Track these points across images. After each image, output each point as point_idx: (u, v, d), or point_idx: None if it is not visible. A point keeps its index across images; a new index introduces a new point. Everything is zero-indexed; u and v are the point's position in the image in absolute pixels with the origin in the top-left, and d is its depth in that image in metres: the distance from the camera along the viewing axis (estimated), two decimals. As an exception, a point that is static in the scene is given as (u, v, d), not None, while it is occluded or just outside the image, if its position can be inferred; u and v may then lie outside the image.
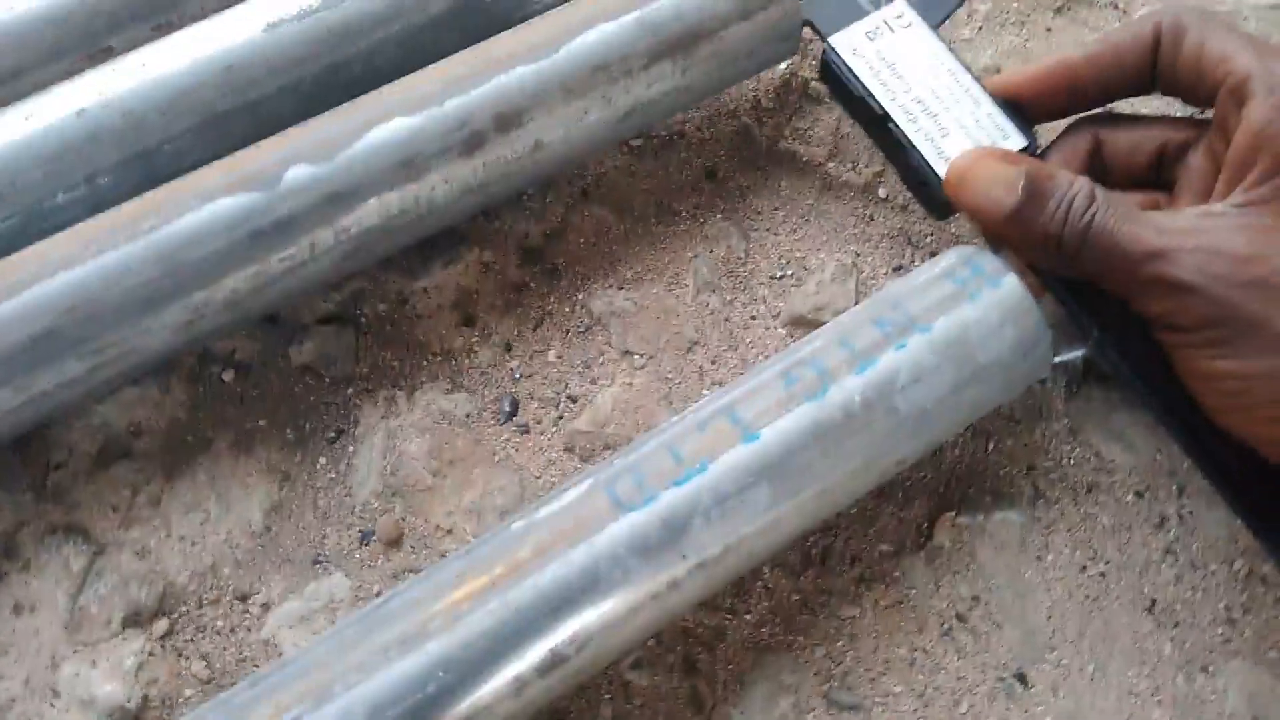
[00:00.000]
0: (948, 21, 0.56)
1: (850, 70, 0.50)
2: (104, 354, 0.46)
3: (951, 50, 0.50)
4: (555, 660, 0.40)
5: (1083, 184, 0.43)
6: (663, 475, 0.42)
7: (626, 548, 0.40)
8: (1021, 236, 0.43)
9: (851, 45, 0.50)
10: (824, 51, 0.51)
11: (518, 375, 0.52)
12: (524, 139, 0.50)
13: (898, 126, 0.49)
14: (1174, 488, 0.50)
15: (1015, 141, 0.48)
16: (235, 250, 0.47)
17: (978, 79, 0.49)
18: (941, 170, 0.47)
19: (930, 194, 0.49)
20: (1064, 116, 0.49)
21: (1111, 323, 0.45)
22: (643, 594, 0.41)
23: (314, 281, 0.49)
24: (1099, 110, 0.49)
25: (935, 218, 0.52)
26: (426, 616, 0.39)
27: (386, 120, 0.48)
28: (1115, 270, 0.42)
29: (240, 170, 0.47)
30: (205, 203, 0.46)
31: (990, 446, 0.51)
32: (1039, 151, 0.49)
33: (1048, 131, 0.50)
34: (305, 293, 0.50)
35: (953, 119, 0.48)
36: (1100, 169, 0.48)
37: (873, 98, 0.49)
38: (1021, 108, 0.49)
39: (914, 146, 0.48)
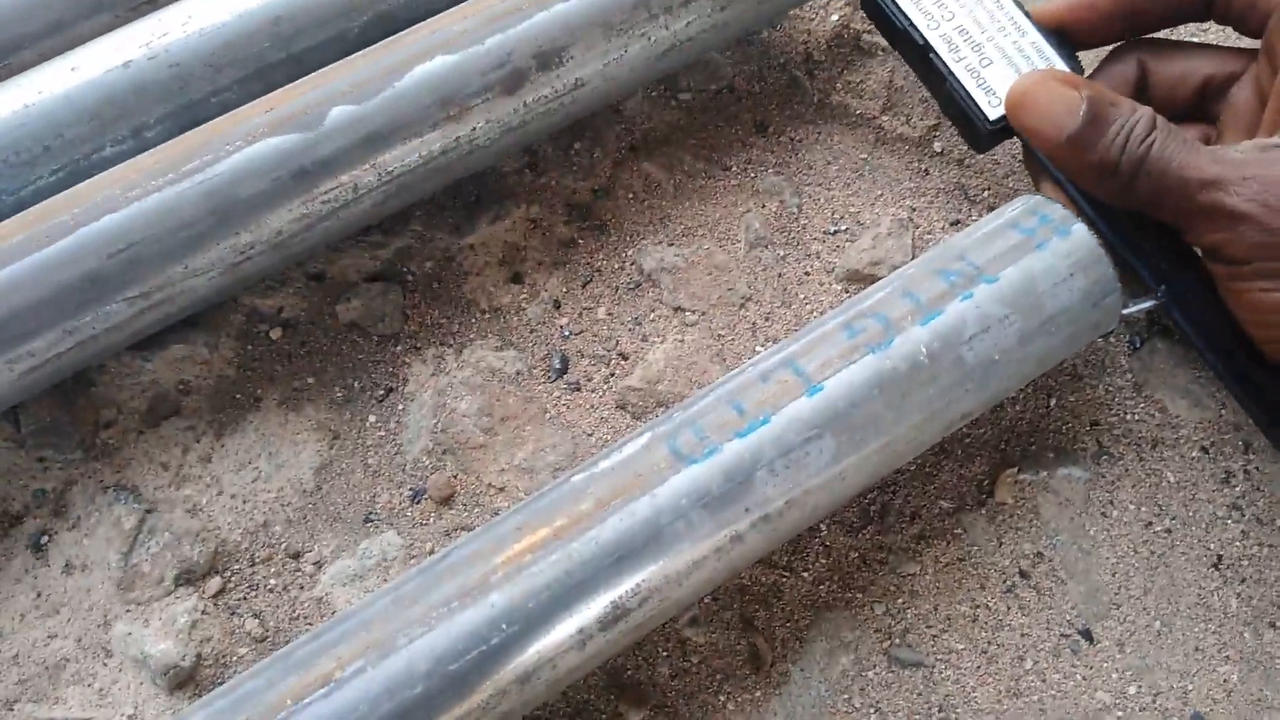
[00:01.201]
0: None
1: (894, 0, 0.49)
2: (150, 297, 0.45)
3: None
4: (618, 613, 0.39)
5: (1144, 112, 0.42)
6: (725, 427, 0.41)
7: (689, 500, 0.40)
8: (1080, 161, 0.42)
9: None
10: None
11: (568, 333, 0.52)
12: (564, 77, 0.49)
13: (939, 57, 0.48)
14: (1240, 443, 0.49)
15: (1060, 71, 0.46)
16: (280, 190, 0.46)
17: (1022, 6, 0.48)
18: (982, 101, 0.47)
19: (971, 126, 0.48)
20: (1116, 41, 0.48)
21: (1164, 265, 0.44)
22: (705, 547, 0.40)
23: (358, 222, 0.49)
24: (1145, 37, 0.48)
25: (976, 150, 0.51)
26: (488, 569, 0.39)
27: (427, 59, 0.48)
28: (1171, 198, 0.41)
29: (283, 110, 0.46)
30: (249, 143, 0.46)
31: (1053, 402, 0.50)
32: None
33: (1088, 60, 0.49)
34: (348, 235, 0.50)
35: (996, 48, 0.47)
36: (1144, 99, 0.47)
37: (914, 28, 0.48)
38: (1066, 36, 0.48)
39: (955, 77, 0.47)
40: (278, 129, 0.46)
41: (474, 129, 0.48)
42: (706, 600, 0.46)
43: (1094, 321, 0.45)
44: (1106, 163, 0.42)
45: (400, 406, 0.50)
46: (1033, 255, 0.44)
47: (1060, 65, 0.47)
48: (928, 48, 0.48)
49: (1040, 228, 0.44)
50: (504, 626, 0.38)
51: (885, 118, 0.56)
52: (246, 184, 0.45)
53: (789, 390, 0.41)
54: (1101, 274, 0.44)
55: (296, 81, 0.48)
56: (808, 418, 0.41)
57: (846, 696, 0.45)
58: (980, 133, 0.47)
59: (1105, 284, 0.44)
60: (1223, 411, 0.49)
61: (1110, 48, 0.48)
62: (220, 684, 0.45)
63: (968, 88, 0.47)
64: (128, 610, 0.46)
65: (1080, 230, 0.44)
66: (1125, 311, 0.45)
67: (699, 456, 0.40)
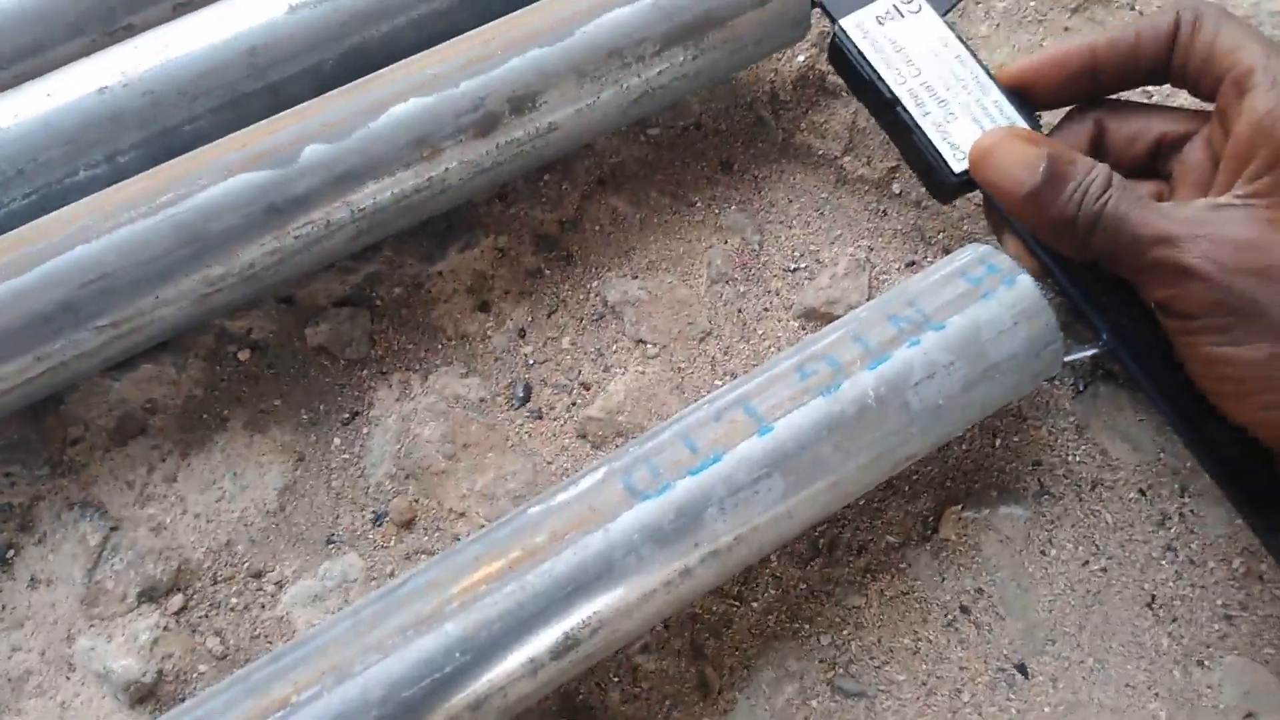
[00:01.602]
0: (963, 16, 0.57)
1: (860, 53, 0.51)
2: (120, 326, 0.46)
3: (960, 37, 0.51)
4: (569, 643, 0.40)
5: (1101, 170, 0.44)
6: (678, 465, 0.43)
7: (641, 535, 0.41)
8: (1038, 215, 0.44)
9: (862, 28, 0.51)
10: (833, 34, 0.52)
11: (531, 361, 0.53)
12: (537, 121, 0.51)
13: (906, 110, 0.49)
14: (1176, 486, 0.51)
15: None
16: (252, 225, 0.47)
17: (985, 66, 0.50)
18: (948, 155, 0.49)
19: (936, 178, 0.50)
20: (1076, 103, 0.50)
21: (1118, 315, 0.46)
22: (656, 581, 0.41)
23: (328, 257, 0.50)
24: (1105, 98, 0.50)
25: (940, 201, 0.52)
26: (444, 598, 0.40)
27: (402, 99, 0.49)
28: (1125, 253, 0.43)
29: (257, 146, 0.47)
30: (223, 178, 0.47)
31: (997, 442, 0.51)
32: None
33: (1047, 119, 0.51)
34: (319, 267, 0.50)
35: (960, 105, 0.49)
36: (1101, 156, 0.49)
37: (882, 81, 0.50)
38: (1027, 96, 0.49)
39: (921, 130, 0.49)
40: (252, 165, 0.47)
41: (446, 169, 0.50)
42: (658, 628, 0.48)
43: (1037, 368, 0.47)
44: (1064, 218, 0.44)
45: (365, 430, 0.51)
46: (979, 304, 0.45)
47: (1021, 123, 0.49)
48: (895, 101, 0.50)
49: (987, 277, 0.46)
50: (458, 655, 0.39)
51: (847, 159, 0.58)
52: (219, 218, 0.46)
53: (740, 430, 0.43)
54: (1044, 323, 0.46)
55: (272, 117, 0.49)
56: (758, 458, 0.42)
57: (791, 724, 0.46)
58: (945, 185, 0.49)
59: (1048, 333, 0.46)
60: (1161, 455, 0.51)
61: (1069, 108, 0.50)
62: (181, 700, 0.46)
63: (934, 141, 0.49)
64: (91, 625, 0.47)
65: (1025, 281, 0.46)
66: (1068, 359, 0.47)
67: (652, 493, 0.42)
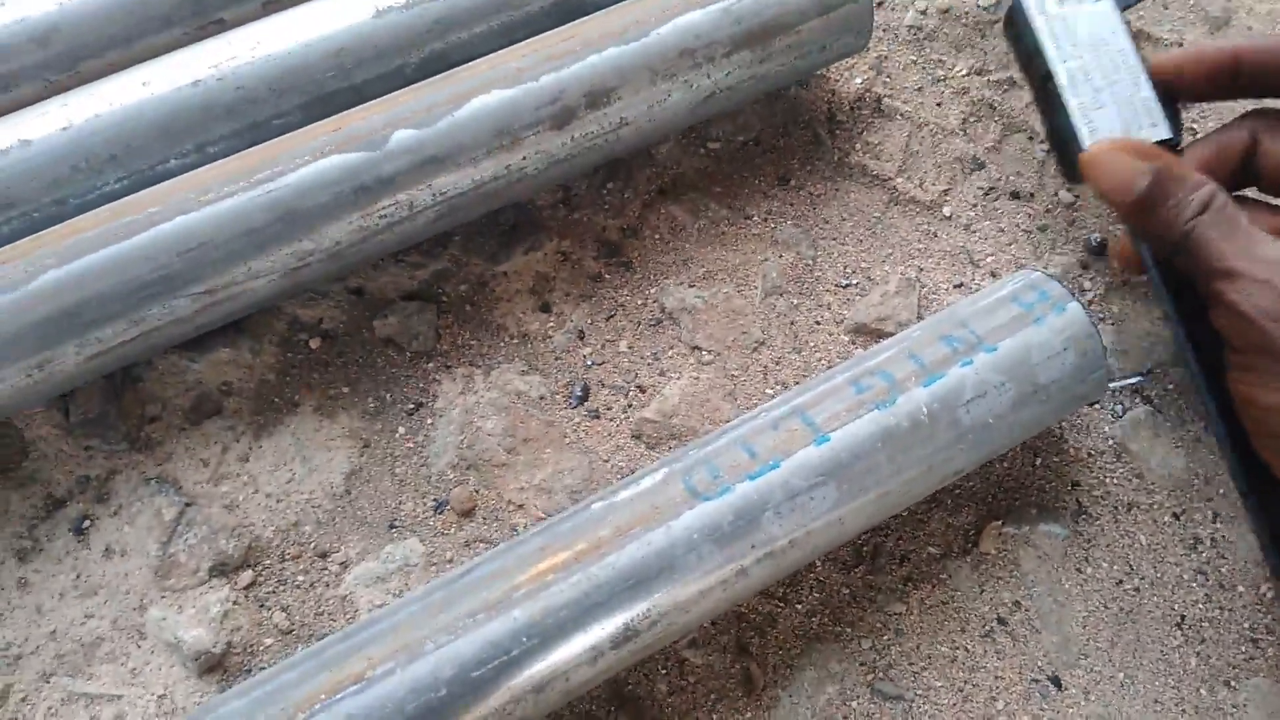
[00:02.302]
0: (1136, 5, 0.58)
1: (1031, 25, 0.52)
2: (214, 294, 0.48)
3: (1129, 32, 0.52)
4: (629, 634, 0.42)
5: (1203, 191, 0.45)
6: (737, 468, 0.44)
7: (701, 534, 0.43)
8: (1138, 223, 0.47)
9: (1041, 3, 0.53)
10: (1013, 3, 0.53)
11: (590, 362, 0.55)
12: (611, 116, 0.53)
13: (1058, 88, 0.51)
14: (1210, 512, 0.53)
15: (1160, 132, 0.49)
16: (341, 204, 0.49)
17: (1145, 64, 0.51)
18: (1086, 140, 0.50)
19: (1069, 156, 0.51)
20: (1222, 99, 0.50)
21: (1195, 328, 0.47)
22: (713, 579, 0.43)
23: (407, 239, 0.52)
24: (1264, 108, 0.51)
25: (1070, 181, 0.54)
26: (512, 585, 0.42)
27: (485, 91, 0.51)
28: (1199, 277, 0.45)
29: (350, 129, 0.50)
30: (317, 158, 0.49)
31: (1038, 461, 0.53)
32: (1178, 146, 0.50)
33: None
34: (398, 249, 0.53)
35: (1110, 95, 0.51)
36: (1253, 171, 0.50)
37: (1043, 56, 0.52)
38: (1173, 89, 0.50)
39: (1066, 111, 0.51)
40: (344, 146, 0.49)
41: (524, 159, 0.52)
42: (705, 624, 0.50)
43: (1082, 392, 0.48)
44: (1157, 231, 0.46)
45: (429, 421, 0.53)
46: (1030, 329, 0.47)
47: (1162, 128, 0.50)
48: (1050, 77, 0.51)
49: (1039, 303, 0.48)
50: (524, 639, 0.41)
51: (900, 180, 0.60)
52: (311, 195, 0.48)
53: (798, 438, 0.45)
54: (1091, 350, 0.47)
55: (363, 104, 0.51)
56: (815, 465, 0.44)
57: (829, 723, 0.48)
58: (1076, 167, 0.51)
59: (1094, 359, 0.48)
60: (1195, 481, 0.53)
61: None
62: (247, 672, 0.48)
63: (1076, 124, 0.50)
64: (163, 596, 0.49)
65: (1075, 308, 0.48)
66: (1112, 385, 0.48)
67: (712, 494, 0.44)
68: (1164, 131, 0.50)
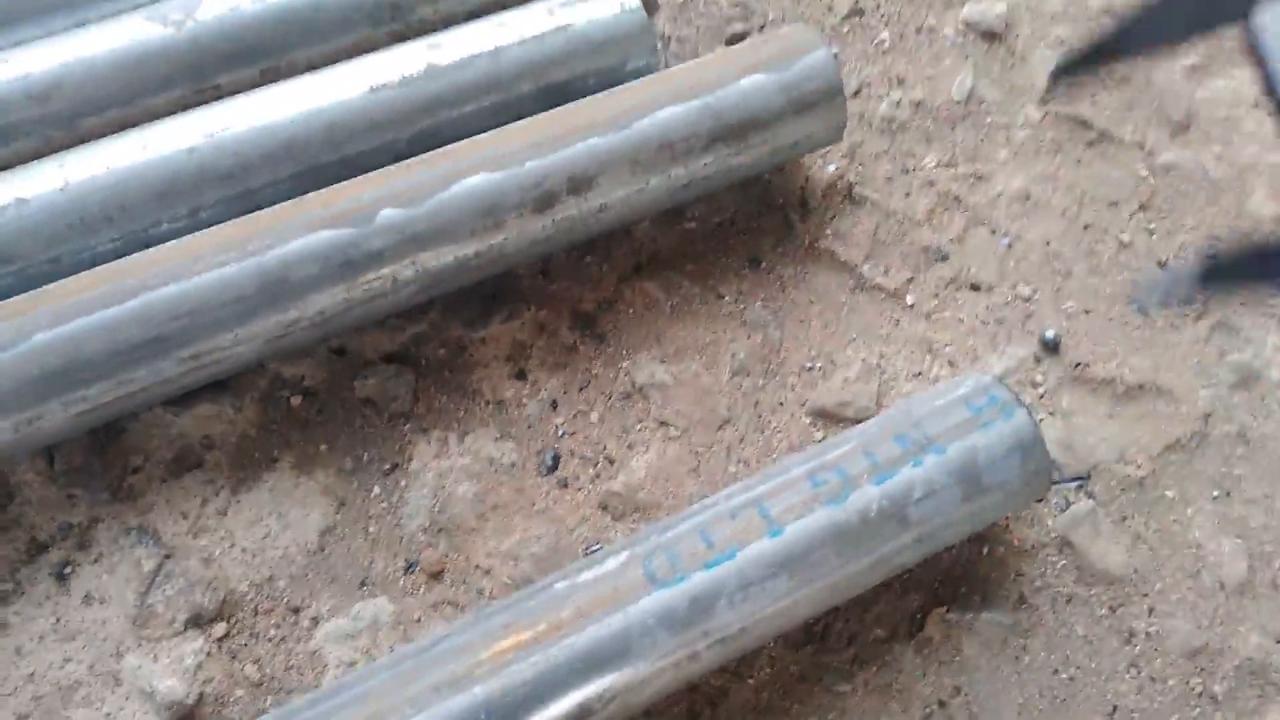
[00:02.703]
0: (985, 141, 0.60)
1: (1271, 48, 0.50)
2: (200, 359, 0.50)
3: None
4: (583, 713, 0.45)
5: None
6: (695, 557, 0.47)
7: (656, 620, 0.45)
8: None
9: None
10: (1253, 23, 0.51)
11: (561, 432, 0.57)
12: (591, 201, 0.55)
13: None
14: (1146, 607, 0.55)
15: None
16: (328, 276, 0.51)
17: None
18: None
19: None
20: None
21: None
22: (666, 662, 0.46)
23: (388, 309, 0.54)
24: None
25: None
26: (475, 662, 0.44)
27: (473, 173, 0.53)
28: None
29: (340, 206, 0.52)
30: (306, 232, 0.51)
31: (984, 550, 0.56)
32: None
33: None
34: (379, 318, 0.55)
35: None
36: None
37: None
38: None
39: None
40: (334, 222, 0.51)
41: (505, 239, 0.54)
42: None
43: (1026, 493, 0.51)
44: None
45: (403, 483, 0.55)
46: (978, 432, 0.50)
47: None
48: None
49: (988, 408, 0.51)
50: (483, 715, 0.43)
51: (866, 266, 0.62)
52: (300, 268, 0.50)
53: (754, 530, 0.47)
54: (1037, 454, 0.50)
55: (354, 179, 0.53)
56: (768, 557, 0.47)
57: (771, 794, 0.51)
58: None
59: (1040, 463, 0.50)
60: (1132, 576, 0.56)
61: None
62: (214, 723, 0.50)
63: None
64: (139, 645, 0.51)
65: (1022, 415, 0.50)
66: (1055, 485, 0.51)
67: (670, 581, 0.46)
68: None
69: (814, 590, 0.48)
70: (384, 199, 0.52)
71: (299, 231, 0.51)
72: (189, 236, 0.52)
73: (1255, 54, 0.43)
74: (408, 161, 0.54)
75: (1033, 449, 0.50)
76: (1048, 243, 0.65)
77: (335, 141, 0.55)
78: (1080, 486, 0.51)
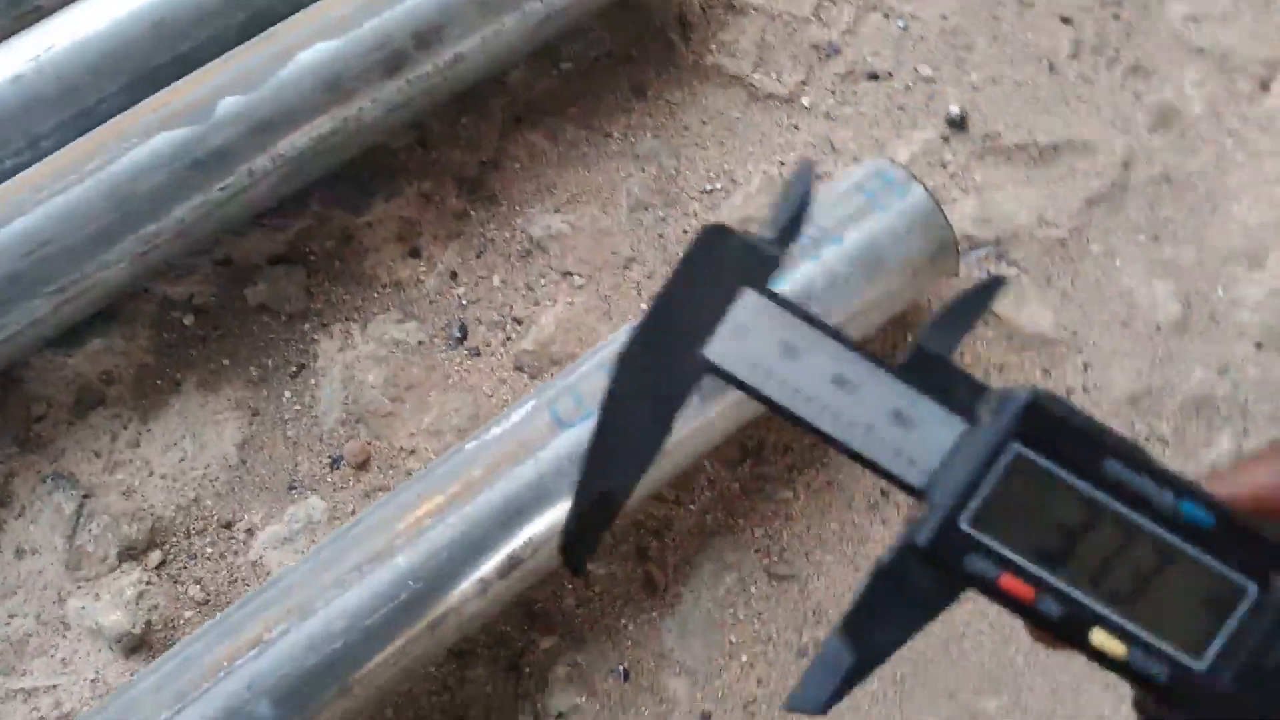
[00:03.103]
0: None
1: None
2: (66, 291, 0.48)
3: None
4: (512, 563, 0.44)
5: None
6: (597, 391, 0.45)
7: (569, 460, 0.44)
8: None
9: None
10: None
11: (464, 301, 0.56)
12: (444, 54, 0.52)
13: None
14: (1080, 362, 0.54)
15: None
16: (178, 181, 0.49)
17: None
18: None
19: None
20: None
21: None
22: (589, 499, 0.45)
23: (255, 206, 0.52)
24: None
25: None
26: (393, 534, 0.43)
27: (309, 45, 0.50)
28: None
29: (174, 105, 0.49)
30: (145, 139, 0.48)
31: (909, 338, 0.55)
32: None
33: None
34: (249, 217, 0.53)
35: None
36: None
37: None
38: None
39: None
40: (171, 123, 0.48)
41: (360, 109, 0.51)
42: (605, 537, 0.52)
43: (935, 268, 0.50)
44: None
45: (313, 381, 0.54)
46: (874, 215, 0.48)
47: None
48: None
49: (882, 190, 0.48)
50: (410, 583, 0.43)
51: (756, 75, 0.60)
52: (145, 178, 0.48)
53: (656, 353, 0.46)
54: (936, 226, 0.48)
55: (186, 77, 0.50)
56: (674, 377, 0.46)
57: (732, 610, 0.51)
58: None
59: (943, 236, 0.49)
60: (1062, 335, 0.55)
61: None
62: (171, 645, 0.50)
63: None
64: (79, 587, 0.51)
65: (918, 190, 0.48)
66: (965, 258, 0.50)
67: (576, 420, 0.45)
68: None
69: (727, 402, 0.46)
70: (221, 89, 0.49)
71: (137, 139, 0.48)
72: (27, 170, 0.49)
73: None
74: (240, 47, 0.51)
75: (931, 222, 0.48)
76: (945, 18, 0.62)
77: (163, 41, 0.52)
78: (989, 254, 0.50)
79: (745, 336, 0.25)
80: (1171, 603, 0.24)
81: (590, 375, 0.46)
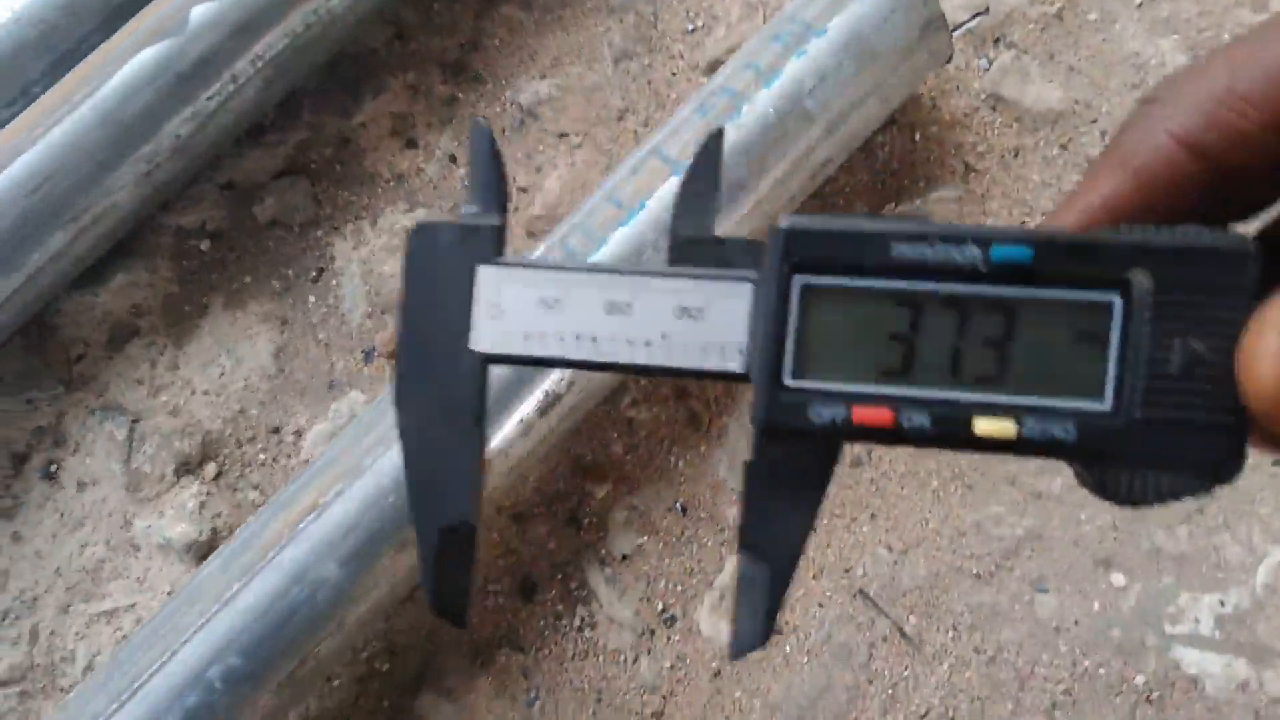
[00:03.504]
0: None
1: None
2: (80, 220, 0.49)
3: None
4: (549, 400, 0.44)
5: None
6: (608, 221, 0.45)
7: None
8: None
9: None
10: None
11: (467, 181, 0.55)
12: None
13: None
14: (1097, 132, 0.53)
15: None
16: (165, 96, 0.49)
17: None
18: None
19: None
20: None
21: None
22: (614, 327, 0.45)
23: (249, 112, 0.52)
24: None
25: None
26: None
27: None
28: None
29: (148, 24, 0.50)
30: (126, 60, 0.49)
31: (917, 136, 0.54)
32: None
33: None
34: (244, 125, 0.53)
35: None
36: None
37: None
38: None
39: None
40: (147, 41, 0.49)
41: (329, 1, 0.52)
42: (643, 382, 0.52)
43: (928, 51, 0.48)
44: None
45: (334, 282, 0.55)
46: (854, 3, 0.47)
47: None
48: None
49: (858, -27, 0.47)
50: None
51: (720, -92, 0.58)
52: (134, 98, 0.49)
53: (658, 175, 0.46)
54: (920, 4, 0.47)
55: (155, -1, 0.51)
56: (679, 194, 0.45)
57: (781, 436, 0.51)
58: None
59: (931, 15, 0.47)
60: (1075, 108, 0.53)
61: None
62: (239, 552, 0.51)
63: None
64: (142, 507, 0.52)
65: (895, -34, 0.47)
66: (957, 32, 0.48)
67: (590, 252, 0.45)
68: None
69: (741, 212, 0.46)
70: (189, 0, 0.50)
71: (120, 62, 0.49)
72: (23, 113, 0.50)
73: None
74: (205, -40, 0.51)
75: (918, 1, 0.47)
76: None
77: (130, -32, 0.52)
78: (977, 16, 0.48)
79: (502, 313, 0.23)
80: (1039, 356, 0.21)
81: (596, 209, 0.46)
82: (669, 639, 0.49)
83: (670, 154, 0.46)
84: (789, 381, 0.21)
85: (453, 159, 0.56)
